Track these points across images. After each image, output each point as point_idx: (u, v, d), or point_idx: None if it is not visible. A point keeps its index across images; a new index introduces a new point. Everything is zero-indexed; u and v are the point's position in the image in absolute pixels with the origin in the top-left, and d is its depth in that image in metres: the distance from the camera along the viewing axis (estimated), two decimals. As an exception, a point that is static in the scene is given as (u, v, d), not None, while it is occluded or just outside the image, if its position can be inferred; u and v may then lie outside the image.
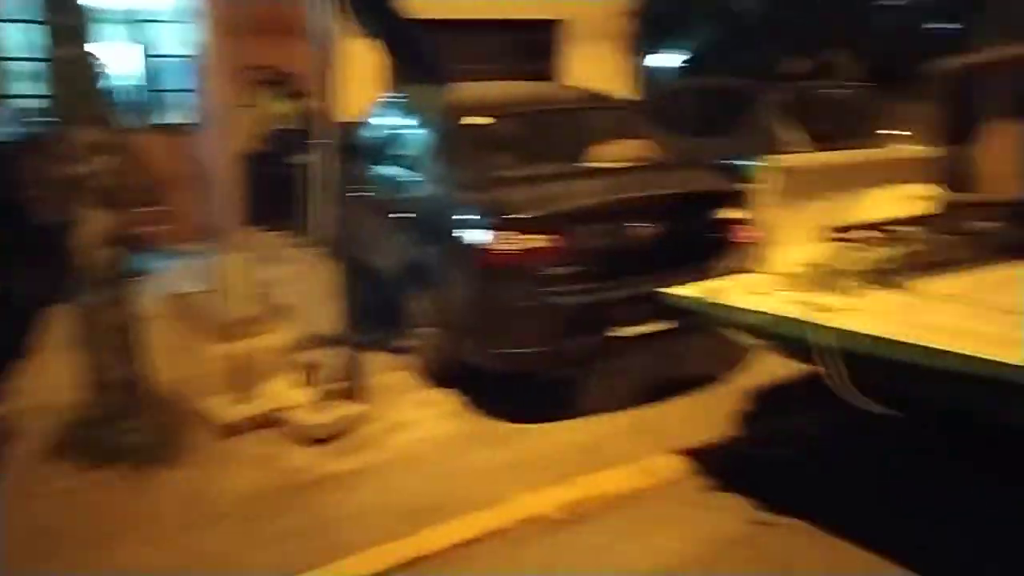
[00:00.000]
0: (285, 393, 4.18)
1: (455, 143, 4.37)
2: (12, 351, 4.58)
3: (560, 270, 3.73)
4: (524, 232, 3.69)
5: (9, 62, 7.12)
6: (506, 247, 3.69)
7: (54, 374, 4.53)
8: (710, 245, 3.80)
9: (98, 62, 3.55)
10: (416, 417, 4.08)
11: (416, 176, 4.68)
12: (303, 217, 7.50)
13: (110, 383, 3.80)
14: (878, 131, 6.27)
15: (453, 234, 4.02)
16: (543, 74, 9.23)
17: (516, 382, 4.12)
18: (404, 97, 5.27)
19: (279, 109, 6.83)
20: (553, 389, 4.25)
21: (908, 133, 6.44)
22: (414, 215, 4.55)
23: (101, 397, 3.79)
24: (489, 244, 3.75)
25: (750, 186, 3.49)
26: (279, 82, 6.86)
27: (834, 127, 6.17)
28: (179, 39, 7.80)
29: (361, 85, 4.09)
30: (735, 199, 4.01)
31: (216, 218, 5.39)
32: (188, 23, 7.51)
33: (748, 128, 6.20)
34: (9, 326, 4.43)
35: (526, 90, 5.32)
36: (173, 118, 8.05)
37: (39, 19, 3.41)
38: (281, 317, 5.31)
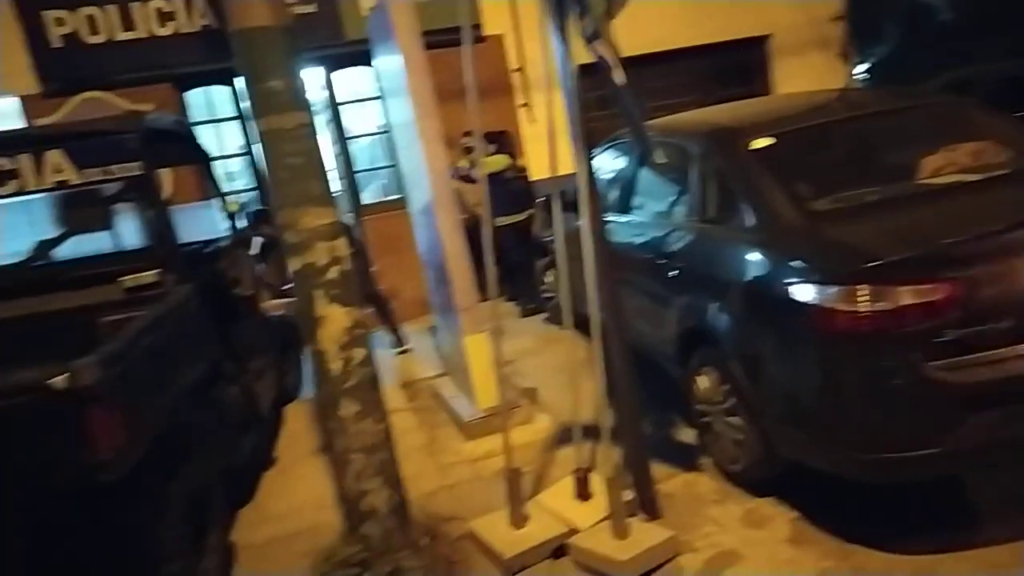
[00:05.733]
0: (565, 509, 3.17)
1: (745, 175, 3.22)
2: (254, 461, 3.96)
3: (950, 332, 2.45)
4: (892, 282, 2.46)
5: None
6: (867, 306, 2.47)
7: (303, 490, 3.85)
8: None
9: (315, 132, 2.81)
10: (743, 543, 2.90)
11: (685, 224, 3.59)
12: (526, 283, 6.76)
13: (368, 512, 2.97)
14: None
15: (762, 291, 2.87)
16: (754, 95, 8.00)
17: (865, 489, 2.83)
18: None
19: (495, 168, 6.08)
20: (928, 499, 2.91)
21: None
22: (689, 271, 3.45)
23: (359, 530, 2.98)
24: (835, 302, 2.54)
25: None
26: (489, 143, 6.13)
27: None
28: (365, 118, 7.42)
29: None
30: None
31: (440, 295, 4.62)
32: (379, 100, 7.12)
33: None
34: (247, 432, 3.79)
35: (805, 102, 4.10)
36: (372, 196, 7.66)
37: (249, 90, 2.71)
38: (531, 404, 4.38)
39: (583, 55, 2.74)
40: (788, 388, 2.80)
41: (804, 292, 2.64)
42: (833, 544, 2.78)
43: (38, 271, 3.45)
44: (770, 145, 3.26)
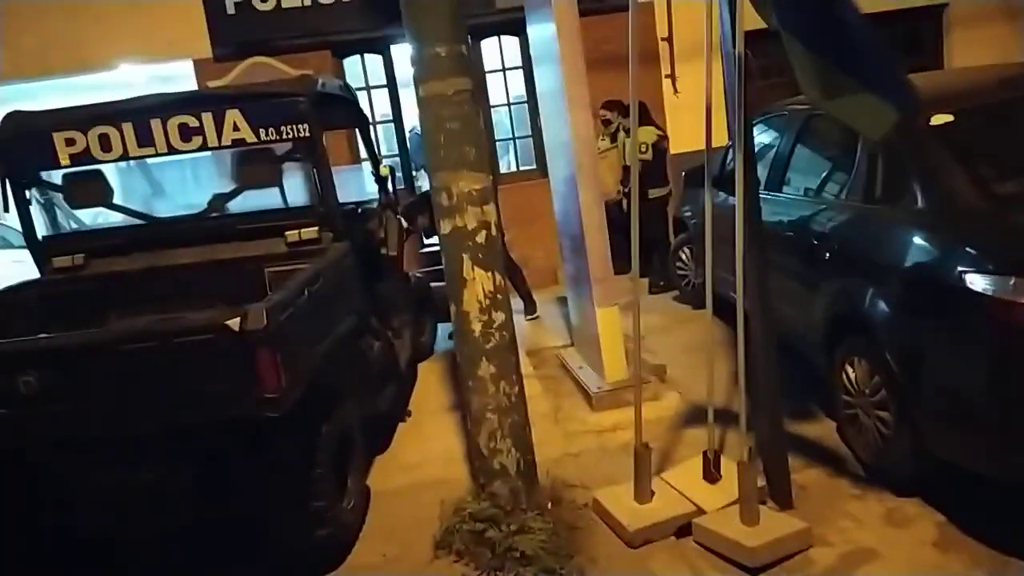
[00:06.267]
0: (691, 489, 3.12)
1: (921, 152, 2.98)
2: (392, 413, 4.16)
3: None
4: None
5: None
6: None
7: (434, 444, 4.01)
8: None
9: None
10: (882, 542, 2.74)
11: (843, 204, 3.39)
12: (658, 260, 6.63)
13: (498, 471, 3.07)
14: None
15: (930, 279, 2.67)
16: (922, 70, 7.36)
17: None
18: (808, 108, 3.97)
19: (646, 140, 5.95)
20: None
21: None
22: (844, 254, 3.25)
23: (488, 487, 3.08)
24: (1015, 294, 2.32)
25: None
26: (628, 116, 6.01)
27: None
28: (504, 88, 7.45)
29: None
30: None
31: (574, 265, 4.63)
32: (519, 70, 7.14)
33: None
34: (387, 385, 3.99)
35: (991, 76, 3.73)
36: (505, 166, 7.74)
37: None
38: (659, 381, 4.32)
39: (752, 20, 2.62)
40: (952, 384, 2.60)
41: (980, 282, 2.42)
42: (985, 552, 2.58)
43: (213, 222, 3.74)
44: (951, 121, 3.00)
